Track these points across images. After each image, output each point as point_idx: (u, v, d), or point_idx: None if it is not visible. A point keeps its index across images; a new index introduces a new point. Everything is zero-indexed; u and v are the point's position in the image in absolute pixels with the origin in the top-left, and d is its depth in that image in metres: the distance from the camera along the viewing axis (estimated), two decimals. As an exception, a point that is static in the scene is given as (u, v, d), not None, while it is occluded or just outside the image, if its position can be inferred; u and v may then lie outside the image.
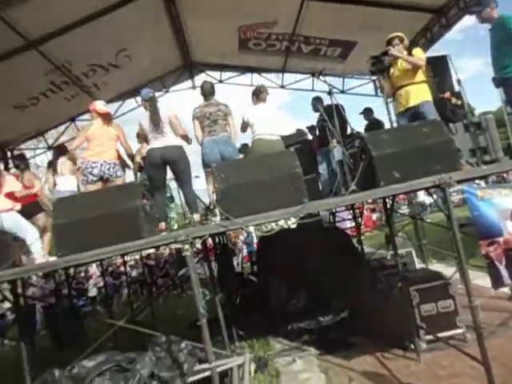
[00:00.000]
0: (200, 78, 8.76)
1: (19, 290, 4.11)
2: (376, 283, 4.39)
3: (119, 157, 4.37)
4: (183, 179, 3.98)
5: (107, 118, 4.33)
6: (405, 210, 12.50)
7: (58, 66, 6.10)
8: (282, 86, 9.16)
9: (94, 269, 12.06)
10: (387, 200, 3.88)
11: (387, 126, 7.57)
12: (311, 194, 3.16)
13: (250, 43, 7.40)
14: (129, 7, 5.52)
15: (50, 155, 9.74)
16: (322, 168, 6.04)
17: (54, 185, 5.11)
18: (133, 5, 5.50)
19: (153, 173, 3.90)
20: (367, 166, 3.07)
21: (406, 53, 4.13)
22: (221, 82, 8.85)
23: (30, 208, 4.77)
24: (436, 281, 3.78)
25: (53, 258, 4.15)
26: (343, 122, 5.50)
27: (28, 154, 9.47)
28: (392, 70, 4.25)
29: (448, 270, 4.62)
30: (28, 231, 4.04)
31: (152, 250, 11.75)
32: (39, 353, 5.45)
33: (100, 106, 4.38)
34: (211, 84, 4.53)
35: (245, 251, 14.33)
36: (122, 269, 11.20)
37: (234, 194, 2.91)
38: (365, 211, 10.01)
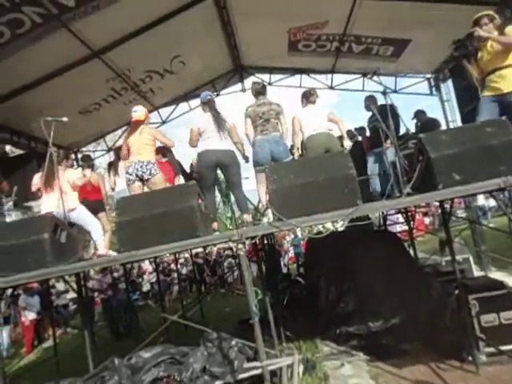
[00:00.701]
0: (250, 81, 8.91)
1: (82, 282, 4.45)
2: (430, 290, 4.22)
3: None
4: (234, 182, 4.10)
5: (138, 125, 4.52)
6: (461, 214, 11.86)
7: (118, 73, 6.51)
8: (332, 87, 9.05)
9: (147, 265, 12.66)
10: (445, 203, 3.72)
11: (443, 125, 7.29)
12: (364, 196, 3.12)
13: (300, 45, 7.39)
14: (183, 15, 5.76)
15: (107, 157, 10.44)
16: (373, 170, 5.91)
17: (114, 184, 5.46)
18: (187, 13, 5.74)
19: (206, 173, 4.04)
20: (424, 168, 2.98)
21: (496, 33, 3.66)
22: (270, 84, 8.92)
23: (95, 205, 5.15)
24: (498, 290, 3.56)
25: (113, 253, 4.46)
26: (397, 123, 5.37)
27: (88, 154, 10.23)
28: (480, 54, 3.78)
29: (510, 279, 4.34)
30: (92, 226, 4.36)
31: (201, 249, 12.09)
32: (98, 342, 5.81)
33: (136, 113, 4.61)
34: (262, 84, 4.61)
35: (291, 252, 14.33)
36: (173, 266, 11.65)
37: (287, 194, 2.94)
38: (417, 215, 9.65)
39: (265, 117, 4.22)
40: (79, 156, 9.08)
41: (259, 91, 4.39)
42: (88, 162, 5.65)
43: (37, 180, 4.28)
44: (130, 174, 4.25)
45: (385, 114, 4.23)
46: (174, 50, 6.65)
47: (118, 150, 5.69)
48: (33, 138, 7.08)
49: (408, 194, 3.03)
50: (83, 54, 5.71)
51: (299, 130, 4.45)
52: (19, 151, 7.41)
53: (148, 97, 7.79)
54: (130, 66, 6.52)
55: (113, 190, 6.48)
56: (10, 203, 5.26)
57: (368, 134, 6.65)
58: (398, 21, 6.23)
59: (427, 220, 16.18)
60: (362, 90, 8.83)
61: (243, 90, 9.03)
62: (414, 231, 6.45)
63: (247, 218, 3.96)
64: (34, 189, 4.26)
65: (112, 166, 6.01)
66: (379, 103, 5.64)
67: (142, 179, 4.25)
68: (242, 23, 6.75)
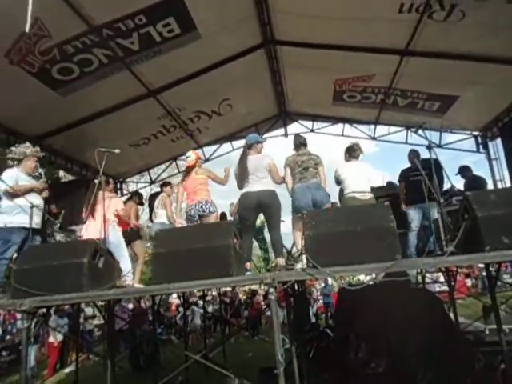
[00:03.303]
0: (293, 127, 9.16)
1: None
2: (472, 360, 3.88)
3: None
4: (273, 223, 4.10)
5: (191, 169, 4.73)
6: (507, 279, 11.03)
7: (169, 111, 6.92)
8: (374, 138, 9.07)
9: (174, 298, 12.63)
10: (490, 266, 3.51)
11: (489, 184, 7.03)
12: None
13: (345, 95, 7.55)
14: (236, 62, 6.12)
15: (148, 189, 10.84)
16: (414, 224, 5.72)
17: (155, 217, 5.64)
18: (240, 60, 6.10)
19: (246, 214, 4.09)
20: (470, 227, 2.85)
21: None
22: (312, 131, 9.11)
23: (130, 234, 5.31)
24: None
25: (139, 285, 4.51)
26: (441, 178, 5.25)
27: (132, 185, 10.70)
28: None
29: None
30: (124, 257, 4.47)
31: (229, 288, 11.95)
32: (117, 372, 5.75)
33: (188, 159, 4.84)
34: (304, 137, 4.71)
35: (320, 301, 13.81)
36: (200, 302, 11.54)
37: (323, 242, 2.89)
38: (458, 276, 9.08)
39: (304, 165, 4.28)
40: (124, 186, 9.57)
41: (302, 143, 4.48)
42: (140, 200, 5.97)
43: (85, 206, 4.51)
44: (193, 216, 4.44)
45: (428, 169, 4.18)
46: (224, 93, 7.02)
47: (163, 185, 5.93)
48: (84, 166, 7.56)
49: (451, 253, 2.90)
50: (140, 93, 6.15)
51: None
52: (71, 177, 7.89)
53: (194, 135, 8.17)
54: (181, 106, 6.93)
55: (151, 221, 6.68)
56: (57, 226, 5.52)
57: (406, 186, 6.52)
58: (444, 78, 6.27)
59: (469, 282, 15.18)
60: (405, 143, 8.79)
61: (285, 135, 9.25)
62: (455, 293, 6.05)
63: (281, 261, 3.91)
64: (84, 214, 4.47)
65: (153, 199, 6.22)
66: (423, 157, 5.58)
67: (201, 217, 4.39)
68: (290, 72, 7.05)
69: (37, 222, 4.19)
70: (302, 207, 4.05)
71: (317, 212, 3.55)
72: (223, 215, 6.92)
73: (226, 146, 9.31)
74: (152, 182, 9.78)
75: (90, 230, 4.30)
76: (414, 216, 5.55)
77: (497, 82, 5.85)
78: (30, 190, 4.19)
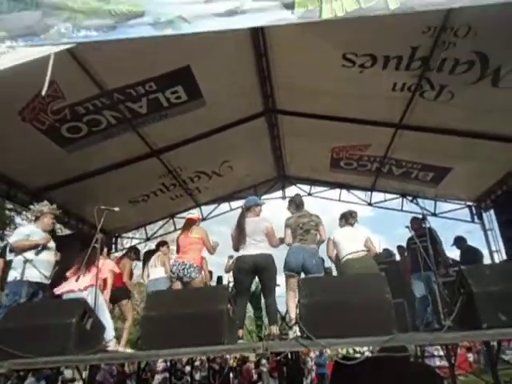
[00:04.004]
0: (291, 190, 9.34)
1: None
2: None
3: (201, 260, 4.71)
4: (269, 288, 4.04)
5: (190, 225, 4.79)
6: (511, 355, 10.56)
7: (171, 170, 7.09)
8: (370, 204, 9.22)
9: (160, 363, 11.91)
10: (491, 343, 3.41)
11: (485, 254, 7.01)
12: (398, 321, 2.95)
13: (342, 162, 7.81)
14: (238, 128, 6.41)
15: (143, 245, 10.75)
16: (417, 293, 5.65)
17: (147, 277, 5.56)
18: (242, 126, 6.40)
19: (242, 278, 4.04)
20: (466, 302, 2.82)
21: None
22: (310, 194, 9.28)
23: (118, 292, 5.18)
24: None
25: (128, 350, 4.33)
26: (436, 247, 5.29)
27: (126, 241, 10.62)
28: None
29: None
30: (106, 318, 4.32)
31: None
32: None
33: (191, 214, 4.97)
34: (301, 197, 4.82)
35: (314, 372, 13.07)
36: (187, 369, 10.87)
37: (318, 311, 2.84)
38: (459, 349, 8.70)
39: (305, 227, 4.32)
40: (119, 241, 9.50)
41: (301, 203, 4.58)
42: (136, 256, 5.96)
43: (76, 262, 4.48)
44: (173, 273, 4.44)
45: (423, 238, 4.24)
46: (225, 155, 7.26)
47: (160, 245, 5.92)
48: (82, 220, 7.57)
49: (449, 328, 2.84)
50: (144, 152, 6.36)
51: (332, 254, 4.54)
52: (67, 231, 7.86)
53: (194, 194, 8.31)
54: (183, 166, 7.12)
55: (142, 278, 6.56)
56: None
57: (407, 254, 6.52)
58: (437, 151, 6.54)
59: (471, 357, 14.48)
60: (401, 210, 8.93)
61: (283, 198, 9.40)
62: (456, 369, 5.78)
63: (275, 330, 3.79)
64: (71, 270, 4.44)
65: (148, 257, 6.16)
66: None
67: (182, 280, 4.35)
68: (289, 139, 7.36)
69: (47, 276, 4.24)
70: (291, 266, 4.08)
71: (312, 279, 3.53)
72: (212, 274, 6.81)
73: (224, 206, 9.42)
74: (147, 239, 9.72)
75: (74, 283, 4.22)
76: (417, 284, 5.55)
77: (487, 156, 6.11)
78: (34, 246, 4.23)
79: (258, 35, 4.73)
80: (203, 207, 9.28)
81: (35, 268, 4.11)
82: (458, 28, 4.06)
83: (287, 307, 4.32)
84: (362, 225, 5.05)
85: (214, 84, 5.25)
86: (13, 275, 4.18)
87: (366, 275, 3.20)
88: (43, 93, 3.31)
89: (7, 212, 11.67)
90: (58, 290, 4.25)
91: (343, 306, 2.81)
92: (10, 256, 4.54)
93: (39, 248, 4.29)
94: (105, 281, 4.46)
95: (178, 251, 4.84)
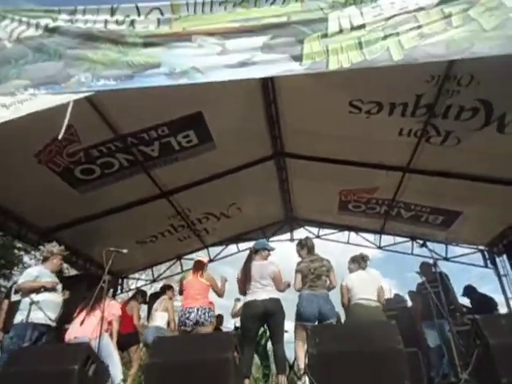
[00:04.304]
0: (299, 232, 9.29)
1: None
2: None
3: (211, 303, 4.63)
4: (278, 335, 3.93)
5: (198, 269, 4.76)
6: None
7: (179, 211, 7.14)
8: (380, 247, 9.10)
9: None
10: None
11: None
12: (411, 372, 2.81)
13: (350, 205, 7.81)
14: (247, 170, 6.52)
15: (149, 286, 10.60)
16: (431, 342, 5.42)
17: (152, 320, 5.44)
18: (251, 169, 6.51)
19: (250, 325, 3.94)
20: (482, 355, 2.70)
21: None
22: (318, 237, 9.20)
23: (128, 338, 5.06)
24: None
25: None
26: (448, 293, 5.14)
27: (132, 282, 10.51)
28: None
29: None
30: (113, 361, 4.20)
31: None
32: None
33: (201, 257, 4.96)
34: (312, 240, 4.79)
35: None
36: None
37: (327, 361, 2.74)
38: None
39: (316, 272, 4.26)
40: (125, 282, 9.40)
41: (312, 247, 4.54)
42: (143, 299, 5.90)
43: (82, 303, 4.44)
44: (190, 320, 4.33)
45: (435, 284, 4.13)
46: (234, 197, 7.32)
47: (166, 288, 5.86)
48: (89, 260, 7.57)
49: (466, 382, 2.71)
50: (154, 193, 6.45)
51: (346, 301, 4.45)
52: (74, 271, 7.83)
53: (201, 235, 8.31)
54: (192, 207, 7.18)
55: (148, 321, 6.42)
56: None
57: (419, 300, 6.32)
58: (446, 194, 6.52)
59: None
60: (411, 254, 8.79)
61: (291, 240, 9.33)
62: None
63: (283, 379, 3.63)
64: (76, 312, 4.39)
65: (153, 300, 6.08)
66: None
67: (200, 324, 4.26)
68: (297, 182, 7.43)
69: (53, 318, 4.18)
70: (306, 316, 3.93)
71: (322, 327, 3.43)
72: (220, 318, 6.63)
73: (232, 247, 9.37)
74: (154, 280, 9.62)
75: (81, 329, 4.14)
76: (430, 333, 5.31)
77: (498, 201, 6.07)
78: (41, 288, 4.22)
79: (267, 82, 4.93)
80: (210, 248, 9.23)
81: (41, 310, 4.07)
82: (461, 77, 4.20)
83: (296, 355, 4.17)
84: (373, 267, 4.95)
85: (224, 129, 5.41)
86: (19, 318, 4.13)
87: (376, 324, 3.10)
88: (60, 137, 3.46)
89: (16, 251, 11.72)
90: (66, 337, 4.18)
91: (353, 356, 2.71)
92: (15, 297, 4.53)
93: (43, 290, 4.27)
94: (110, 323, 4.37)
95: (181, 292, 4.73)
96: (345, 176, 6.65)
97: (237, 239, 9.18)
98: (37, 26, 4.10)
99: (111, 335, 4.32)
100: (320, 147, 6.06)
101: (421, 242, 6.75)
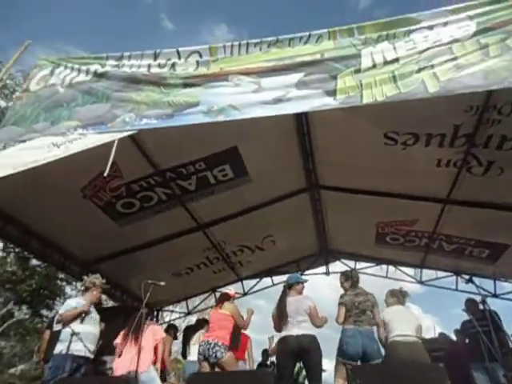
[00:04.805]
0: (335, 265, 9.08)
1: None
2: None
3: (231, 339, 4.51)
4: (314, 373, 3.78)
5: (223, 300, 4.74)
6: None
7: (215, 244, 7.21)
8: (421, 282, 8.68)
9: None
10: None
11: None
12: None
13: (388, 238, 7.57)
14: (281, 203, 6.53)
15: (183, 318, 10.58)
16: None
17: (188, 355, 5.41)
18: (285, 201, 6.52)
19: (285, 362, 3.82)
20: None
21: None
22: (354, 270, 8.90)
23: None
24: None
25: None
26: (499, 333, 4.78)
27: (166, 314, 10.54)
28: None
29: None
30: None
31: None
32: None
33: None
34: (357, 273, 4.65)
35: None
36: None
37: (371, 405, 2.59)
38: None
39: (361, 307, 4.10)
40: (160, 314, 9.45)
41: (358, 280, 4.41)
42: (175, 334, 5.93)
43: (120, 335, 4.49)
44: (200, 354, 4.27)
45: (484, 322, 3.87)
46: (268, 230, 7.31)
47: (200, 321, 5.86)
48: (126, 292, 7.70)
49: None
50: (190, 226, 6.58)
51: (383, 336, 4.21)
52: (112, 303, 7.99)
53: (236, 268, 8.29)
54: (227, 240, 7.23)
55: (183, 356, 6.38)
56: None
57: (467, 340, 5.90)
58: (491, 226, 6.19)
59: None
60: (456, 290, 8.29)
61: (327, 273, 9.12)
62: None
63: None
64: (116, 344, 4.44)
65: (189, 332, 6.06)
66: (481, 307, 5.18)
67: (208, 361, 4.18)
68: (332, 213, 7.34)
69: (92, 350, 4.26)
70: (350, 354, 3.75)
71: (364, 367, 3.27)
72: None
73: (266, 280, 9.25)
74: (188, 313, 9.61)
75: (122, 362, 4.16)
76: (480, 378, 4.91)
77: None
78: (78, 315, 4.32)
79: (301, 117, 5.02)
80: (245, 281, 9.17)
81: (81, 342, 4.15)
82: (502, 106, 4.10)
83: None
84: (413, 303, 4.70)
85: (259, 162, 5.51)
86: (59, 348, 4.23)
87: (423, 365, 2.91)
88: (106, 173, 3.66)
89: (58, 282, 12.16)
90: (115, 372, 4.21)
91: (399, 400, 2.54)
92: (57, 327, 4.65)
93: (83, 315, 4.36)
94: (155, 348, 4.38)
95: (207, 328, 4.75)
96: (381, 208, 6.51)
97: (271, 272, 9.08)
98: (87, 72, 4.46)
99: (155, 362, 4.33)
100: (355, 179, 6.01)
101: (466, 277, 6.37)
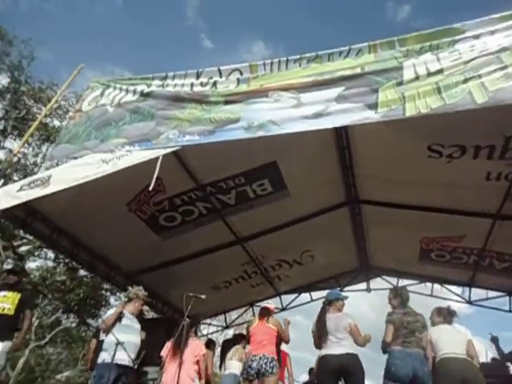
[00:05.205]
0: (375, 282, 8.79)
1: None
2: None
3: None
4: (357, 392, 3.65)
5: (264, 315, 4.69)
6: None
7: (253, 258, 7.23)
8: (470, 302, 8.19)
9: None
10: None
11: None
12: None
13: (433, 254, 7.25)
14: (321, 217, 6.46)
15: (220, 332, 10.58)
16: None
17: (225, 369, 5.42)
18: (325, 215, 6.45)
19: (326, 381, 3.73)
20: None
21: None
22: (404, 288, 8.58)
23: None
24: None
25: None
26: None
27: (203, 327, 10.60)
28: None
29: None
30: None
31: None
32: None
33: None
34: (408, 291, 4.46)
35: None
36: None
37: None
38: None
39: (410, 327, 3.88)
40: (198, 327, 9.52)
41: (407, 298, 4.23)
42: (213, 348, 5.99)
43: (166, 348, 4.58)
44: (252, 369, 4.22)
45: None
46: (307, 244, 7.24)
47: (238, 336, 5.87)
48: (167, 303, 7.87)
49: None
50: (229, 240, 6.66)
51: (430, 356, 3.95)
52: (152, 314, 8.17)
53: (274, 282, 8.25)
54: (265, 254, 7.23)
55: (220, 368, 6.40)
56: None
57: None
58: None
59: None
60: (509, 311, 7.75)
61: (368, 290, 8.85)
62: None
63: None
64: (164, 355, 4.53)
65: (226, 346, 6.08)
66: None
67: (259, 373, 4.16)
68: (373, 228, 7.15)
69: (133, 359, 4.36)
70: (399, 377, 3.58)
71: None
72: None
73: (305, 296, 9.11)
74: (226, 327, 9.63)
75: (167, 375, 4.24)
76: None
77: None
78: (116, 318, 4.45)
79: (340, 131, 4.98)
80: (283, 296, 9.08)
81: (125, 351, 4.26)
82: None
83: None
84: (459, 324, 4.38)
85: (298, 176, 5.51)
86: (102, 357, 4.34)
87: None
88: (151, 188, 3.81)
89: (103, 292, 12.64)
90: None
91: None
92: (103, 336, 4.82)
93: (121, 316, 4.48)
94: (198, 363, 4.43)
95: (248, 341, 4.70)
96: (426, 223, 6.26)
97: (310, 287, 8.94)
98: (134, 92, 4.71)
99: (200, 375, 4.37)
100: (397, 193, 5.84)
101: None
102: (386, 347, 3.89)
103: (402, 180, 5.44)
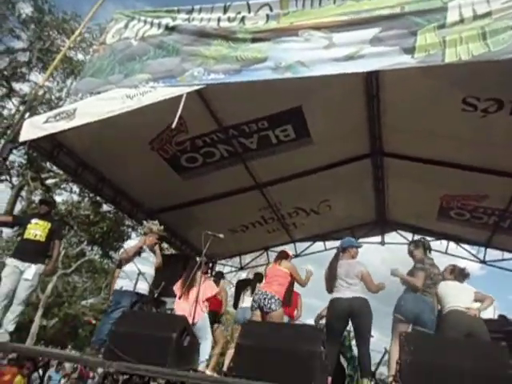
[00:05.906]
0: (390, 236, 8.84)
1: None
2: None
3: (285, 295, 4.62)
4: (363, 336, 3.82)
5: (281, 258, 4.85)
6: None
7: (271, 204, 7.31)
8: (484, 262, 8.21)
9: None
10: None
11: None
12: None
13: (452, 212, 7.17)
14: (342, 167, 6.39)
15: (234, 273, 11.02)
16: None
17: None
18: (346, 166, 6.37)
19: (335, 324, 3.89)
20: None
21: None
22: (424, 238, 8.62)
23: (210, 315, 5.37)
24: None
25: (211, 373, 4.43)
26: None
27: (218, 267, 11.08)
28: None
29: None
30: (207, 340, 4.49)
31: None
32: None
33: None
34: (429, 242, 4.48)
35: None
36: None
37: (421, 372, 2.59)
38: None
39: (434, 279, 3.95)
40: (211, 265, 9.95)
41: (429, 248, 4.25)
42: (221, 278, 6.26)
43: (179, 282, 4.84)
44: (255, 302, 4.44)
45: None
46: (325, 194, 7.24)
47: (259, 276, 6.09)
48: (185, 242, 8.17)
49: None
50: (248, 185, 6.70)
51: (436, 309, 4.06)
52: (171, 250, 8.54)
53: (290, 229, 8.39)
54: (283, 201, 7.29)
55: (235, 307, 6.73)
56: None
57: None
58: None
59: None
60: (524, 273, 7.77)
61: (382, 243, 8.93)
62: None
63: (367, 383, 3.53)
64: (176, 289, 4.78)
65: (242, 286, 6.34)
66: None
67: (262, 310, 4.36)
68: (394, 182, 7.05)
69: (144, 288, 4.60)
70: (405, 312, 3.70)
71: (419, 334, 3.23)
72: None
73: (319, 245, 9.28)
74: (241, 268, 10.01)
75: (181, 307, 4.50)
76: None
77: None
78: (139, 250, 4.68)
79: (370, 77, 4.75)
80: (297, 243, 9.27)
81: (146, 281, 4.51)
82: None
83: (389, 357, 3.92)
84: (470, 284, 4.40)
85: (322, 124, 5.38)
86: (120, 284, 4.58)
87: (484, 342, 2.81)
88: (173, 126, 3.80)
89: (125, 228, 13.19)
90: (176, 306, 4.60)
91: (451, 370, 2.51)
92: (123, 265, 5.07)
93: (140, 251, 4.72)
94: (208, 300, 4.69)
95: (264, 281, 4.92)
96: (449, 180, 6.13)
97: (324, 237, 9.06)
98: (159, 25, 4.53)
99: (213, 305, 4.64)
100: (423, 147, 5.67)
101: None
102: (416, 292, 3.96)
103: (429, 133, 5.25)
